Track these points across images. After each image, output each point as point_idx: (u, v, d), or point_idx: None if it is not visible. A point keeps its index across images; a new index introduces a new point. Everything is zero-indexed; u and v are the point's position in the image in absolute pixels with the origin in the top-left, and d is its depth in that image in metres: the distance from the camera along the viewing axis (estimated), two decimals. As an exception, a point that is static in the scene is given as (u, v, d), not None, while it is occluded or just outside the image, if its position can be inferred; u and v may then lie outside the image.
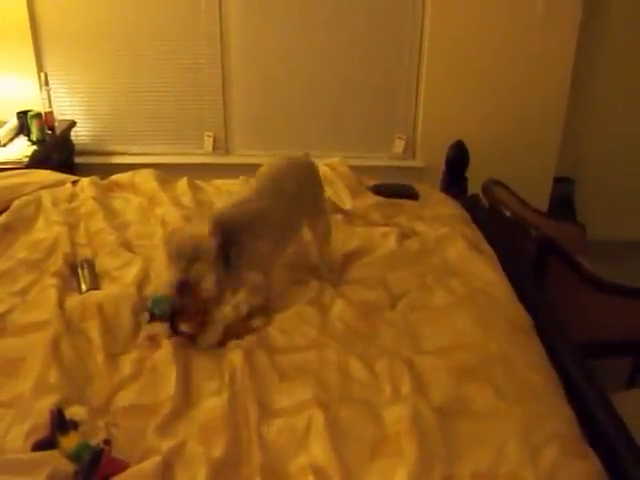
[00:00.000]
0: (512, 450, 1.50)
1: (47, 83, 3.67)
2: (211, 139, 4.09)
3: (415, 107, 4.05)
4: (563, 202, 4.29)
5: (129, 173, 3.01)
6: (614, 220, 4.31)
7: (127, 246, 2.39)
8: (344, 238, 2.47)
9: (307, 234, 2.33)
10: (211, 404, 1.62)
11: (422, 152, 4.08)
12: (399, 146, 4.11)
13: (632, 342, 2.79)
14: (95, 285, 2.14)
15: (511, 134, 4.01)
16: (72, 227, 2.51)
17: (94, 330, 1.89)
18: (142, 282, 2.12)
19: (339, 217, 2.63)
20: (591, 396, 1.74)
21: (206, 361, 1.81)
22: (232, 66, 3.95)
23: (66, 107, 4.01)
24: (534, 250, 2.65)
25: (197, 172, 3.25)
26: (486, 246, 2.46)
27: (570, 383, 1.79)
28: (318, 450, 1.49)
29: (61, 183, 2.91)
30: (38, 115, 3.55)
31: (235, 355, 1.79)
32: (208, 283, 1.86)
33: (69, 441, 1.47)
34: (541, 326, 2.03)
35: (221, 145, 4.13)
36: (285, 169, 2.19)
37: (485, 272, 2.25)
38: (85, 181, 2.90)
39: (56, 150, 3.72)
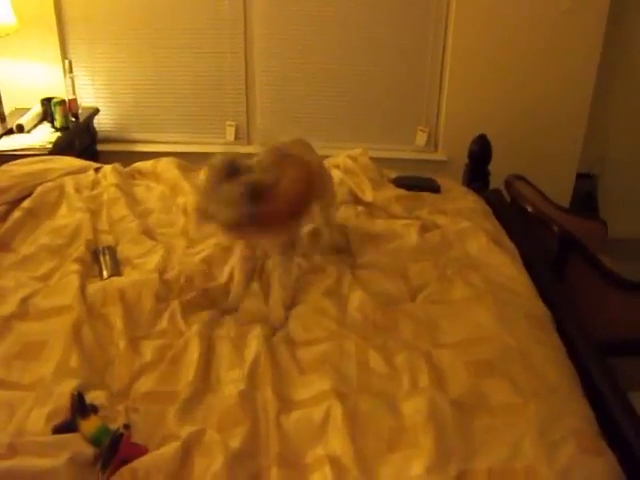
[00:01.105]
0: (528, 446, 1.49)
1: (71, 70, 3.69)
2: (233, 128, 4.10)
3: (438, 99, 4.02)
4: (585, 198, 4.25)
5: (151, 161, 3.02)
6: (637, 218, 4.27)
7: (149, 234, 2.41)
8: (364, 228, 2.48)
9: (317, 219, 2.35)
10: (231, 393, 1.63)
11: (444, 145, 4.05)
12: (421, 138, 4.08)
13: (652, 341, 2.77)
14: (116, 272, 2.15)
15: (534, 129, 3.98)
16: (94, 214, 2.53)
17: (115, 316, 1.91)
18: (164, 269, 2.14)
19: (360, 209, 2.63)
20: (609, 394, 1.73)
21: (227, 349, 1.82)
22: (255, 56, 3.95)
23: (89, 94, 4.03)
24: (555, 246, 2.63)
25: (219, 161, 3.25)
26: (507, 241, 2.45)
27: (588, 380, 1.78)
28: (335, 441, 1.50)
29: (84, 170, 2.92)
30: (62, 102, 3.57)
31: (256, 345, 1.80)
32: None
33: (89, 425, 1.49)
34: (561, 322, 2.02)
35: (243, 135, 4.13)
36: (286, 142, 2.21)
37: (506, 267, 2.24)
38: (107, 168, 2.92)
39: (79, 137, 3.74)
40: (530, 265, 2.31)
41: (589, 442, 1.53)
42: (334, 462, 1.44)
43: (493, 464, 1.45)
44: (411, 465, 1.44)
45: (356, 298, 2.04)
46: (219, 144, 4.11)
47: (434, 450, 1.45)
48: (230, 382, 1.68)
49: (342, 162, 2.98)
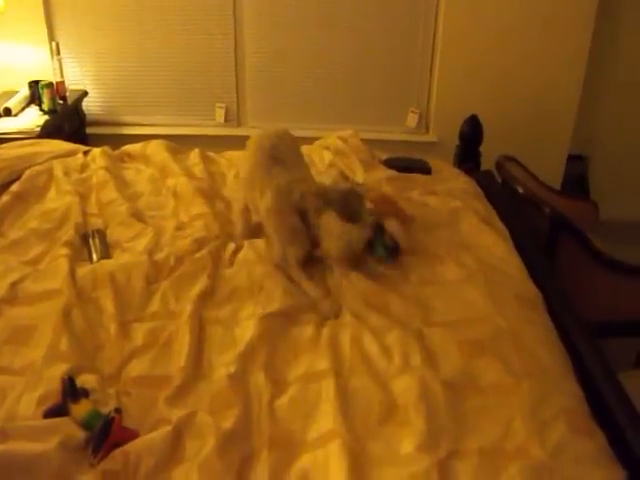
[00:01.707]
0: (519, 425, 1.50)
1: (58, 52, 3.66)
2: (223, 110, 4.07)
3: (429, 81, 4.01)
4: (577, 180, 4.25)
5: (140, 144, 3.00)
6: (628, 200, 4.27)
7: (138, 217, 2.40)
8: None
9: None
10: (222, 376, 1.63)
11: (436, 126, 4.04)
12: (412, 120, 4.07)
13: (642, 323, 2.79)
14: (106, 255, 2.15)
15: (526, 110, 3.97)
16: (83, 197, 2.52)
17: (106, 299, 1.90)
18: (153, 250, 2.13)
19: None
20: (599, 374, 1.73)
21: (219, 333, 1.82)
22: (245, 37, 3.91)
23: (77, 77, 3.99)
24: (546, 227, 2.63)
25: (209, 144, 3.24)
26: (498, 222, 2.44)
27: (578, 360, 1.79)
28: (327, 421, 1.50)
29: (73, 153, 2.90)
30: (50, 85, 3.54)
31: (249, 325, 1.80)
32: None
33: (80, 409, 1.48)
34: (551, 303, 2.02)
35: (233, 117, 4.11)
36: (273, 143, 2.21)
37: (496, 247, 2.24)
38: (96, 151, 2.90)
39: (68, 120, 3.71)
40: (521, 246, 2.31)
41: (579, 422, 1.54)
42: (326, 442, 1.44)
43: (484, 444, 1.46)
44: (402, 444, 1.45)
45: (349, 276, 2.04)
46: (209, 126, 4.09)
47: (425, 430, 1.46)
48: (222, 365, 1.68)
49: (332, 143, 2.97)
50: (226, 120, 4.10)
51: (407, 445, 1.44)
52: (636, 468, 1.44)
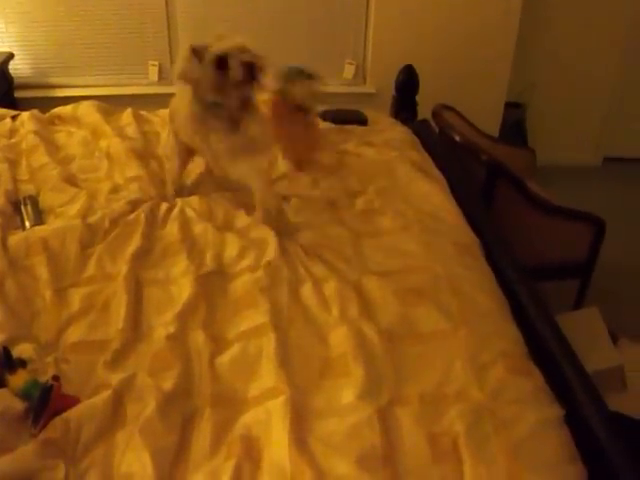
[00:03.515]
0: (459, 370, 1.53)
1: (-21, 13, 3.50)
2: (156, 68, 3.97)
3: (365, 32, 3.97)
4: (514, 127, 4.30)
5: (71, 106, 2.92)
6: (564, 146, 4.35)
7: (71, 180, 2.34)
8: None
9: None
10: (161, 336, 1.62)
11: (373, 77, 4.03)
12: (349, 71, 4.05)
13: (579, 265, 2.85)
14: (39, 221, 2.09)
15: (462, 59, 3.97)
16: (13, 163, 2.44)
17: (40, 266, 1.86)
18: (87, 214, 2.08)
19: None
20: (537, 316, 1.77)
21: (157, 291, 1.80)
22: (176, -8, 3.81)
23: (2, 39, 3.83)
24: (483, 174, 2.66)
25: (143, 103, 3.16)
26: (435, 170, 2.46)
27: (517, 304, 1.82)
28: (269, 375, 1.51)
29: (0, 118, 2.80)
30: (-29, 47, 3.39)
31: (186, 284, 1.79)
32: None
33: (17, 379, 1.46)
34: (489, 249, 2.05)
35: (167, 74, 4.02)
36: None
37: (433, 196, 2.26)
38: (25, 115, 2.81)
39: (-6, 84, 3.58)
40: (458, 194, 2.33)
41: (518, 363, 1.58)
42: (268, 399, 1.45)
43: (424, 390, 1.48)
44: (343, 394, 1.46)
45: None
46: (142, 85, 3.99)
47: (364, 379, 1.47)
48: (160, 326, 1.66)
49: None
50: (160, 78, 4.01)
51: (348, 395, 1.45)
52: (574, 406, 1.48)
